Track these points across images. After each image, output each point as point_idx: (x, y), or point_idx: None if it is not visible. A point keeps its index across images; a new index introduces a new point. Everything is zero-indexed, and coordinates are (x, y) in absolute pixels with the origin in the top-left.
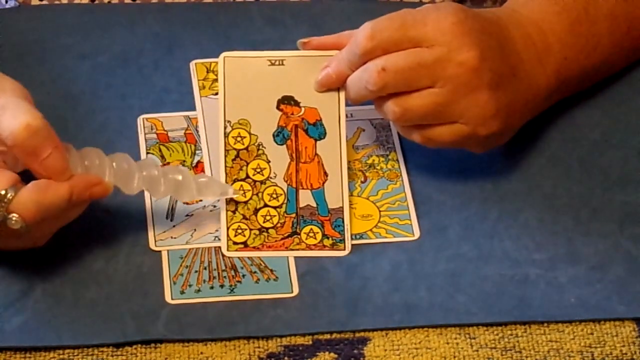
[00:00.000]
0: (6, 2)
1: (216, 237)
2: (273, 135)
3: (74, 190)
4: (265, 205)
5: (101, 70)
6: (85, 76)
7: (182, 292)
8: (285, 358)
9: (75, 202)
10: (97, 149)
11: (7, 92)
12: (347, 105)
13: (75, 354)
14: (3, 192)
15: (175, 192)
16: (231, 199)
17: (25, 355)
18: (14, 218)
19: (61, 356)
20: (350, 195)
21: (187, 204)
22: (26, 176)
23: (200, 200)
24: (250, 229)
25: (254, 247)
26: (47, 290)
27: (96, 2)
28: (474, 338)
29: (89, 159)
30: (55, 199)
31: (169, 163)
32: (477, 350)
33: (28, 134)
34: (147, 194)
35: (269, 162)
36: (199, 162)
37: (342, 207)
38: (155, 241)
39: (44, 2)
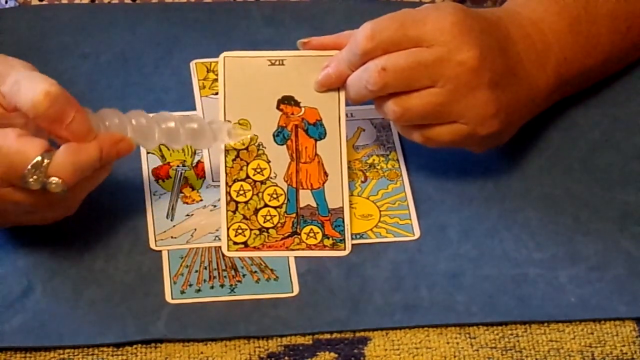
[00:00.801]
0: (6, 2)
1: (216, 236)
2: (273, 135)
3: (102, 148)
4: (266, 205)
5: (101, 70)
6: (86, 76)
7: (183, 292)
8: (286, 358)
9: (105, 160)
10: (114, 109)
11: (17, 66)
12: (347, 105)
13: (75, 353)
14: (39, 159)
15: (194, 141)
16: (231, 199)
17: (25, 355)
18: (53, 181)
19: (61, 356)
20: (351, 195)
21: (186, 203)
22: None
23: (201, 200)
24: (251, 229)
25: (254, 247)
26: (47, 290)
27: (96, 2)
28: (474, 338)
29: (109, 119)
30: (89, 158)
31: (169, 163)
32: (478, 350)
33: (49, 101)
34: (147, 194)
35: (269, 162)
36: (199, 161)
37: (342, 207)
38: (155, 241)
39: (44, 2)
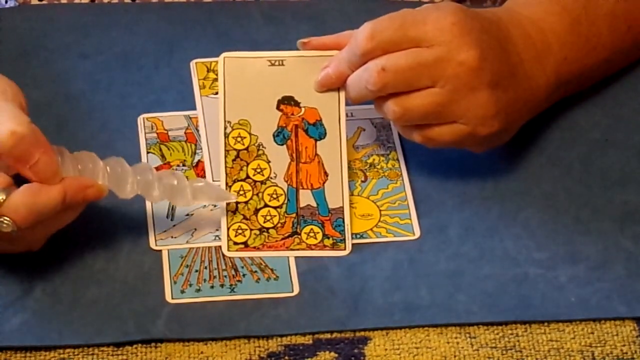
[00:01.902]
0: (6, 2)
1: (216, 236)
2: (273, 136)
3: (67, 193)
4: (266, 206)
5: (101, 70)
6: (86, 76)
7: (183, 292)
8: (286, 357)
9: (69, 204)
10: (91, 153)
11: None
12: (347, 104)
13: (75, 353)
14: None
15: (171, 197)
16: None
17: (25, 355)
18: (5, 221)
19: (61, 356)
20: (351, 194)
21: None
22: (19, 180)
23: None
24: (251, 229)
25: (254, 247)
26: (47, 290)
27: (96, 2)
28: (475, 337)
29: (82, 163)
30: (48, 201)
31: (169, 163)
32: (478, 350)
33: (14, 141)
34: None
35: (269, 162)
36: (199, 161)
37: (343, 207)
38: (155, 240)
39: (43, 2)
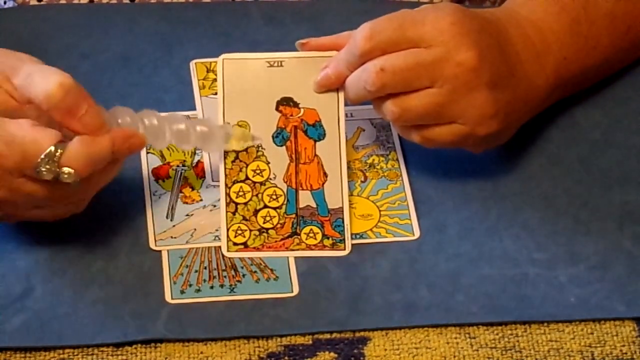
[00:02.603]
0: (5, 2)
1: (216, 236)
2: (272, 137)
3: (115, 142)
4: (265, 206)
5: (101, 70)
6: (86, 76)
7: (182, 292)
8: (286, 358)
9: (117, 154)
10: (127, 108)
11: (27, 60)
12: (346, 105)
13: (75, 353)
14: (52, 149)
15: (203, 143)
16: (230, 200)
17: (25, 355)
18: (66, 172)
19: (61, 356)
20: (350, 194)
21: (186, 203)
22: None
23: (201, 200)
24: (250, 230)
25: (254, 248)
26: (47, 290)
27: (96, 2)
28: (474, 338)
29: (121, 117)
30: (101, 150)
31: (169, 163)
32: (477, 350)
33: (63, 93)
34: (146, 194)
35: (268, 163)
36: (198, 161)
37: (342, 208)
38: (155, 241)
39: (43, 3)
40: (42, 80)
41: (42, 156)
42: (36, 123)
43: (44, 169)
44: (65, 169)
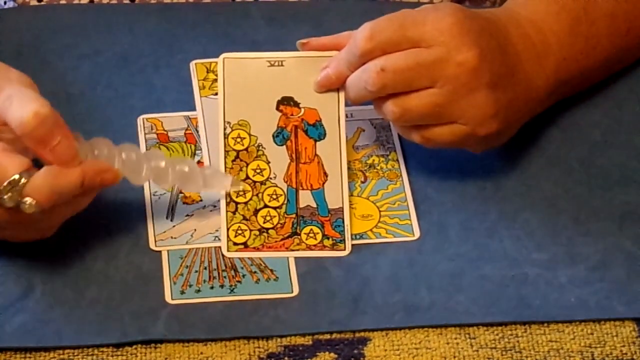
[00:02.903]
0: (5, 3)
1: (216, 237)
2: (273, 136)
3: (85, 176)
4: (265, 206)
5: (101, 71)
6: (86, 76)
7: (182, 292)
8: (285, 358)
9: (87, 188)
10: (106, 139)
11: (14, 81)
12: (347, 105)
13: (75, 354)
14: (17, 177)
15: (182, 184)
16: (231, 200)
17: (25, 355)
18: (27, 202)
19: (61, 356)
20: (351, 195)
21: (186, 203)
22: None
23: (201, 200)
24: (251, 230)
25: (254, 248)
26: (47, 291)
27: (96, 2)
28: (474, 338)
29: (98, 149)
30: (69, 183)
31: None
32: (477, 350)
33: (37, 122)
34: (147, 194)
35: (268, 162)
36: (199, 162)
37: (342, 208)
38: (155, 241)
39: (43, 3)
40: (19, 106)
41: (6, 183)
42: (7, 147)
43: (5, 197)
44: (27, 199)
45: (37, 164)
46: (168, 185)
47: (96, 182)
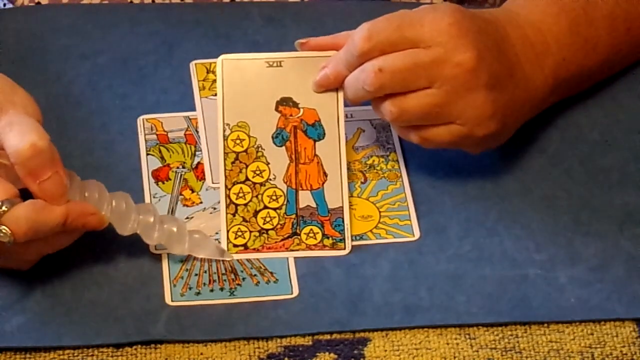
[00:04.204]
0: (4, 4)
1: (216, 239)
2: (272, 137)
3: (69, 215)
4: (265, 207)
5: (101, 71)
6: (85, 77)
7: (182, 295)
8: (285, 358)
9: (69, 227)
10: (100, 183)
11: (18, 107)
12: (347, 105)
13: (75, 354)
14: None
15: (168, 243)
16: (230, 202)
17: (25, 355)
18: (2, 230)
19: (61, 357)
20: (350, 196)
21: (186, 205)
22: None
23: (201, 202)
24: (250, 231)
25: (254, 249)
26: (47, 291)
27: (96, 3)
28: (474, 338)
29: (89, 191)
30: (49, 220)
31: (169, 165)
32: (477, 351)
33: (32, 153)
34: (147, 196)
35: (268, 163)
36: (199, 163)
37: (342, 207)
38: (155, 245)
39: (43, 3)
40: (18, 134)
41: None
42: None
43: None
44: (3, 228)
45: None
46: (153, 241)
47: (79, 223)
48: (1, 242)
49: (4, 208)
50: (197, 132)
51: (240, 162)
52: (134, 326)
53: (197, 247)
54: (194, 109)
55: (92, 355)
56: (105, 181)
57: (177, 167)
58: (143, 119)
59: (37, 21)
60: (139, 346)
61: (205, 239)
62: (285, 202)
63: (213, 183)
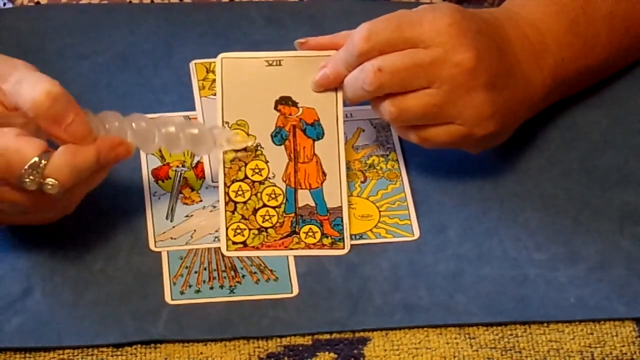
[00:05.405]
0: (4, 4)
1: (216, 237)
2: (271, 136)
3: (101, 151)
4: (264, 205)
5: (101, 71)
6: (85, 76)
7: (182, 293)
8: (285, 358)
9: (102, 163)
10: (115, 112)
11: (20, 66)
12: (346, 105)
13: (75, 354)
14: (37, 159)
15: (194, 146)
16: (230, 199)
17: (25, 355)
18: (50, 183)
19: (61, 356)
20: (350, 195)
21: (185, 204)
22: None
23: (201, 201)
24: (250, 229)
25: (253, 247)
26: (47, 291)
27: (95, 2)
28: (474, 338)
29: (109, 122)
30: (86, 160)
31: (168, 163)
32: (477, 350)
33: (50, 101)
34: (146, 195)
35: (267, 162)
36: (198, 162)
37: (341, 207)
38: (155, 242)
39: (43, 3)
40: (30, 87)
41: (26, 167)
42: (22, 132)
43: (27, 180)
44: (49, 180)
45: (51, 145)
46: (181, 149)
47: (111, 157)
48: (51, 194)
49: (43, 162)
50: None
51: (240, 160)
52: (133, 326)
53: (219, 138)
54: (193, 109)
55: (92, 355)
56: (105, 180)
57: (177, 166)
58: None
59: (37, 21)
60: (139, 346)
61: (223, 130)
62: (284, 201)
63: (213, 182)
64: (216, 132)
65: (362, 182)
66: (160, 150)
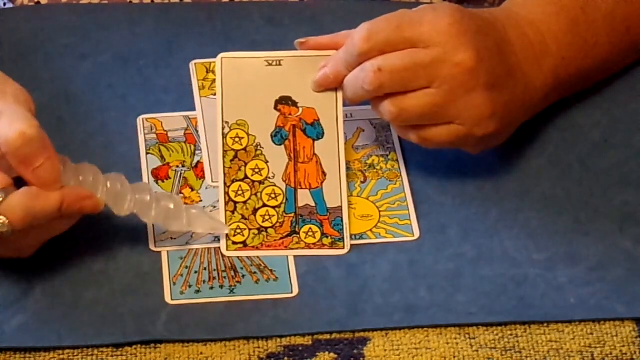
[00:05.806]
0: (4, 4)
1: (216, 237)
2: (271, 136)
3: (65, 201)
4: (264, 205)
5: (101, 71)
6: (85, 76)
7: (182, 293)
8: (285, 358)
9: (65, 213)
10: (94, 166)
11: (8, 97)
12: (346, 105)
13: (75, 354)
14: None
15: (165, 220)
16: (230, 199)
17: (25, 355)
18: (0, 220)
19: (61, 356)
20: (350, 195)
21: (186, 204)
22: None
23: (201, 201)
24: (250, 229)
25: (253, 247)
26: (47, 291)
27: (96, 2)
28: (474, 338)
29: (84, 175)
30: (45, 206)
31: (168, 164)
32: (477, 351)
33: (22, 142)
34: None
35: (267, 162)
36: (198, 162)
37: (341, 207)
38: (155, 242)
39: (43, 3)
40: (7, 124)
41: None
42: None
43: None
44: (0, 217)
45: (20, 184)
46: (150, 220)
47: (75, 208)
48: (0, 232)
49: (0, 197)
50: (197, 131)
51: (240, 160)
52: (133, 326)
53: (195, 220)
54: (193, 109)
55: (92, 355)
56: None
57: (177, 166)
58: (143, 119)
59: (37, 21)
60: (139, 346)
61: (203, 214)
62: (284, 201)
63: (213, 182)
64: (193, 213)
65: (362, 182)
66: (160, 150)
